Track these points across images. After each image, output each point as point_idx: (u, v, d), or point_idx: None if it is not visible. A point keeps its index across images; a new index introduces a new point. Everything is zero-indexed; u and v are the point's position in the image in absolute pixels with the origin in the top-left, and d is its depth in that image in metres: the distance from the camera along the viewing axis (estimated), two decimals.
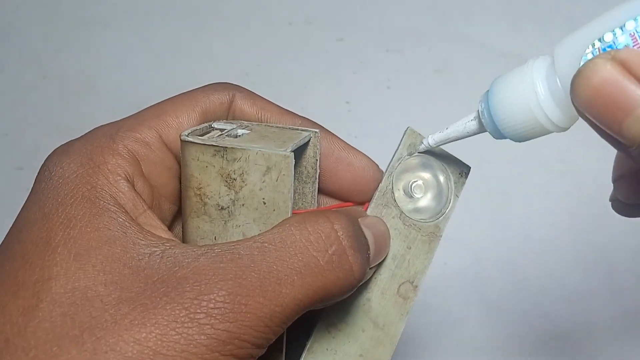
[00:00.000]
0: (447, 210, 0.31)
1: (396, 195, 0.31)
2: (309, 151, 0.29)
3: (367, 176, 0.30)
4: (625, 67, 0.20)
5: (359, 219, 0.27)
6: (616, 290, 0.53)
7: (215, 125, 0.28)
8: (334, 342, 0.30)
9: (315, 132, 0.28)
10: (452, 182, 0.31)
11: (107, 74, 0.63)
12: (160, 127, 0.27)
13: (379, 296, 0.30)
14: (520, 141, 0.26)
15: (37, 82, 0.63)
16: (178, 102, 0.28)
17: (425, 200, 0.31)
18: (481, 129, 0.28)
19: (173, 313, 0.21)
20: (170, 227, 0.29)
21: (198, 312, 0.21)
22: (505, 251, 0.54)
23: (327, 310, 0.29)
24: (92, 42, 0.64)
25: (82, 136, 0.26)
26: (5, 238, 0.24)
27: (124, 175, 0.25)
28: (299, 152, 0.29)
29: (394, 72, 0.60)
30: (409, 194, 0.31)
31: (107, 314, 0.21)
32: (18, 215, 0.24)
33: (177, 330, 0.21)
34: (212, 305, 0.21)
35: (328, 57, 0.62)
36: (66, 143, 0.26)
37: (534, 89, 0.24)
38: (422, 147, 0.30)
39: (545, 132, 0.25)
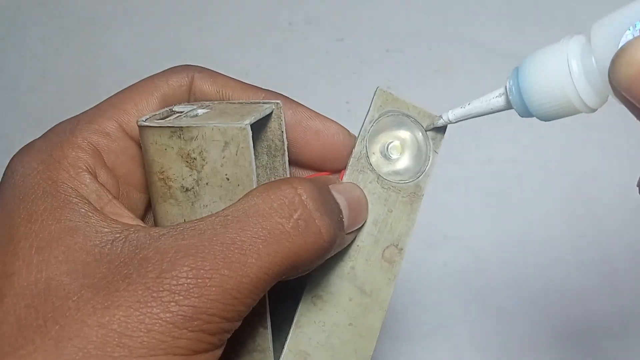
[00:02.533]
0: (427, 168, 0.30)
1: (373, 159, 0.30)
2: (273, 123, 0.28)
3: (338, 142, 0.29)
4: None
5: (330, 186, 0.27)
6: (616, 290, 0.53)
7: (175, 108, 0.27)
8: (321, 314, 0.29)
9: (277, 102, 0.28)
10: (430, 139, 0.30)
11: (107, 74, 0.63)
12: (119, 116, 0.27)
13: (363, 263, 0.29)
14: (547, 120, 0.26)
15: (37, 82, 0.63)
16: (136, 90, 0.28)
17: (403, 160, 0.31)
18: (507, 105, 0.27)
19: (135, 294, 0.21)
20: (144, 217, 0.29)
21: (161, 290, 0.21)
22: (505, 251, 0.54)
23: (311, 281, 0.29)
24: (92, 42, 0.64)
25: (42, 134, 0.26)
26: None
27: (85, 168, 0.25)
28: (263, 125, 0.28)
29: (394, 72, 0.60)
30: (386, 156, 0.30)
31: (70, 301, 0.21)
32: None
33: (140, 310, 0.20)
34: (174, 282, 0.21)
35: (328, 57, 0.62)
36: (28, 143, 0.26)
37: (568, 67, 0.24)
38: (440, 122, 0.29)
39: (574, 112, 0.25)
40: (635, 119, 0.23)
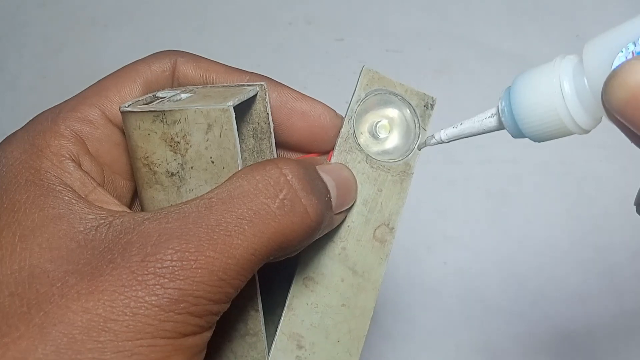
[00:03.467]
0: (416, 146, 0.30)
1: (361, 139, 0.30)
2: (258, 105, 0.28)
3: (324, 123, 0.29)
4: None
5: (318, 166, 0.26)
6: (616, 290, 0.53)
7: (159, 94, 0.27)
8: (313, 296, 0.29)
9: (262, 84, 0.27)
10: (418, 116, 0.30)
11: (107, 74, 0.63)
12: (102, 103, 0.26)
13: (354, 243, 0.29)
14: (539, 141, 0.26)
15: (37, 82, 0.63)
16: (119, 76, 0.27)
17: (392, 139, 0.30)
18: (499, 126, 0.27)
19: (120, 278, 0.20)
20: (131, 204, 0.28)
21: (146, 274, 0.21)
22: (505, 251, 0.54)
23: (302, 263, 0.29)
24: (92, 42, 0.64)
25: (25, 124, 0.26)
26: None
27: (68, 156, 0.24)
28: (248, 108, 0.28)
29: (394, 72, 0.60)
30: (374, 136, 0.30)
31: (54, 287, 0.21)
32: None
33: (125, 294, 0.20)
34: (159, 265, 0.21)
35: (328, 57, 0.62)
36: (11, 134, 0.26)
37: (560, 88, 0.24)
38: (433, 142, 0.29)
39: (567, 133, 0.25)
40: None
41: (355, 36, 0.63)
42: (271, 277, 0.30)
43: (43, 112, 0.27)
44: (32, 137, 0.25)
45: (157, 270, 0.21)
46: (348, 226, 0.29)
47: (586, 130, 0.25)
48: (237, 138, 0.24)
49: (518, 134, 0.26)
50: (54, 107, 0.27)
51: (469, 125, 0.28)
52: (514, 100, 0.25)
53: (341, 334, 0.29)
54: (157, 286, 0.21)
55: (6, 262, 0.21)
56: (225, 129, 0.24)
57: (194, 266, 0.21)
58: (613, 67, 0.21)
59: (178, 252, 0.21)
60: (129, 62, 0.28)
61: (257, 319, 0.26)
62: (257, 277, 0.25)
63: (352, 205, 0.29)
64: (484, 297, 0.53)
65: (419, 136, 0.30)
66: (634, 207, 0.30)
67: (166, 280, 0.21)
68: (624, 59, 0.21)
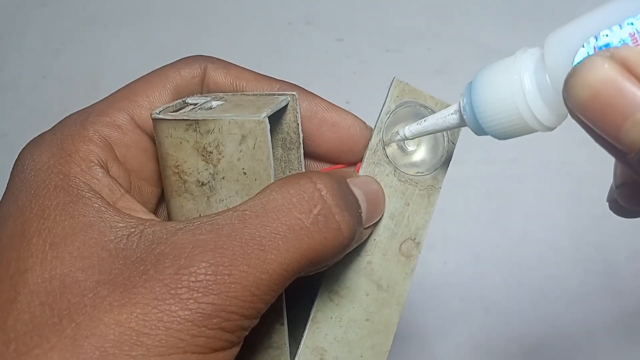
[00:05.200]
0: (444, 160, 0.30)
1: (389, 151, 0.29)
2: (289, 115, 0.27)
3: (354, 135, 0.29)
4: (625, 66, 0.18)
5: (348, 179, 0.26)
6: (616, 290, 0.53)
7: (189, 100, 0.27)
8: (337, 310, 0.29)
9: (293, 94, 0.27)
10: (448, 131, 0.30)
11: (107, 74, 0.63)
12: (131, 108, 0.26)
13: (380, 257, 0.29)
14: (502, 139, 0.25)
15: (37, 82, 0.63)
16: (148, 81, 0.27)
17: (420, 152, 0.30)
18: (462, 123, 0.26)
19: (153, 290, 0.20)
20: (155, 211, 0.28)
21: (179, 287, 0.20)
22: (505, 251, 0.54)
23: (327, 277, 0.29)
24: (92, 42, 0.64)
25: (53, 127, 0.26)
26: None
27: (97, 162, 0.24)
28: (278, 117, 0.27)
29: (394, 72, 0.60)
30: (402, 148, 0.30)
31: (86, 298, 0.20)
32: None
33: (159, 307, 0.20)
34: (193, 279, 0.20)
35: (328, 57, 0.62)
36: (38, 136, 0.26)
37: (520, 84, 0.22)
38: (397, 138, 0.29)
39: (530, 130, 0.24)
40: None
41: (355, 36, 0.63)
42: (296, 290, 0.29)
43: (71, 115, 0.26)
44: (61, 141, 0.24)
45: (191, 283, 0.20)
46: (374, 240, 0.29)
47: (550, 128, 0.24)
48: (271, 150, 0.24)
49: (480, 131, 0.25)
50: (82, 110, 0.26)
51: (432, 122, 0.27)
52: (475, 97, 0.24)
53: (364, 349, 0.28)
54: (191, 300, 0.20)
55: (37, 271, 0.21)
56: (260, 141, 0.23)
57: (227, 281, 0.21)
58: (574, 63, 0.20)
59: (212, 265, 0.21)
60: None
61: (281, 332, 0.25)
62: (284, 291, 0.24)
63: (380, 219, 0.29)
64: (484, 297, 0.53)
65: (447, 150, 0.30)
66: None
67: (200, 294, 0.20)
68: (585, 55, 0.20)
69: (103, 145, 0.25)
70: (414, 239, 0.29)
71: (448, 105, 0.29)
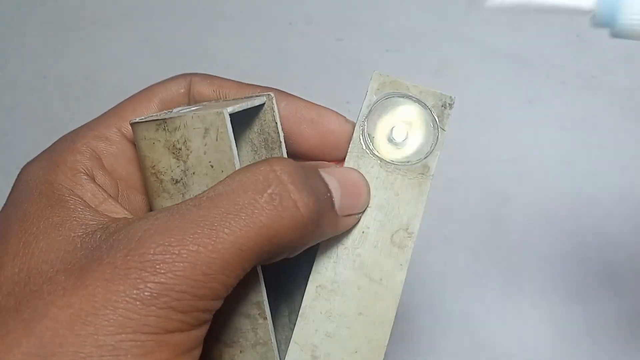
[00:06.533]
0: (435, 148, 0.29)
1: (377, 142, 0.29)
2: (267, 115, 0.28)
3: (334, 129, 0.29)
4: None
5: (321, 169, 0.26)
6: (616, 290, 0.53)
7: (173, 111, 0.27)
8: (327, 304, 0.28)
9: (269, 94, 0.28)
10: (436, 117, 0.29)
11: (107, 74, 0.63)
12: (118, 122, 0.27)
13: (370, 249, 0.28)
14: (631, 38, 0.21)
15: (37, 82, 0.63)
16: (135, 97, 0.29)
17: (409, 142, 0.29)
18: (589, 7, 0.22)
19: (104, 273, 0.21)
20: None
21: (128, 268, 0.21)
22: (505, 251, 0.54)
23: (314, 271, 0.28)
24: (92, 42, 0.64)
25: (49, 146, 0.28)
26: None
27: (82, 170, 0.25)
28: (257, 118, 0.28)
29: (394, 72, 0.60)
30: (391, 140, 0.30)
31: (45, 285, 0.21)
32: None
33: (107, 288, 0.21)
34: (142, 259, 0.21)
35: (328, 57, 0.62)
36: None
37: None
38: (494, 3, 0.25)
39: None
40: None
41: (355, 36, 0.63)
42: (283, 284, 0.30)
43: (65, 134, 0.28)
44: (51, 155, 0.26)
45: (139, 264, 0.21)
46: (363, 232, 0.29)
47: None
48: (233, 140, 0.24)
49: (608, 21, 0.21)
50: (75, 129, 0.28)
51: None
52: None
53: (359, 343, 0.28)
54: (139, 280, 0.21)
55: (9, 266, 0.22)
56: (221, 132, 0.24)
57: (176, 260, 0.21)
58: None
59: (160, 245, 0.21)
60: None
61: (265, 327, 0.25)
62: (263, 283, 0.25)
63: (365, 210, 0.29)
64: (484, 297, 0.53)
65: (437, 137, 0.29)
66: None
67: (147, 274, 0.21)
68: None
69: (90, 156, 0.26)
70: (407, 229, 0.29)
71: (434, 92, 0.29)
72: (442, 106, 0.30)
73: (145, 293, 0.21)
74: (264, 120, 0.28)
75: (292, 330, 0.28)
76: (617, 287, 0.53)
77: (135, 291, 0.21)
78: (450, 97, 0.30)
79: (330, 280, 0.28)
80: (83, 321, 0.20)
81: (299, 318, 0.28)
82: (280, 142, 0.28)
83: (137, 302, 0.21)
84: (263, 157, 0.28)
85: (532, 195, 0.56)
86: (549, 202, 0.56)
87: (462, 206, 0.56)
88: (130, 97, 0.29)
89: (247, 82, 0.30)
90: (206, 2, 0.66)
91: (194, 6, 0.66)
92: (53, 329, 0.20)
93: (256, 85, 0.30)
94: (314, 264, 0.29)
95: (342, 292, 0.28)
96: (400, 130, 0.29)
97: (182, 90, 0.29)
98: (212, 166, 0.25)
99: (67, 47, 0.64)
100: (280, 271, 0.29)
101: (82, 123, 0.31)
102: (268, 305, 0.25)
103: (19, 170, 0.26)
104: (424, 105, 0.30)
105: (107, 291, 0.21)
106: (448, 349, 0.52)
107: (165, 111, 0.27)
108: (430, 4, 0.64)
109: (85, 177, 0.25)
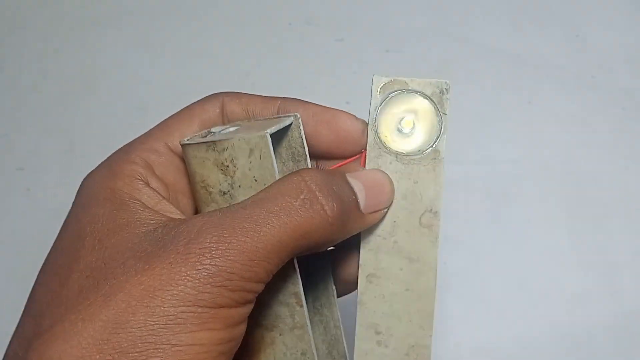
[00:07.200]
0: (441, 132, 0.32)
1: (390, 140, 0.32)
2: (294, 133, 0.32)
3: (348, 127, 0.33)
4: None
5: (348, 174, 0.31)
6: (616, 290, 0.53)
7: (212, 130, 0.32)
8: (378, 289, 0.33)
9: (296, 115, 0.32)
10: (437, 104, 0.33)
11: (107, 74, 0.63)
12: (166, 138, 0.32)
13: (404, 235, 0.33)
14: None
15: (37, 82, 0.63)
16: (178, 117, 0.33)
17: (417, 131, 0.33)
18: None
19: (168, 257, 0.26)
20: None
21: (189, 254, 0.26)
22: (505, 251, 0.54)
23: (362, 265, 0.33)
24: (92, 42, 0.64)
25: (106, 158, 0.33)
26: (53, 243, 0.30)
27: (138, 177, 0.30)
28: (286, 135, 0.33)
29: (394, 72, 0.60)
30: (400, 132, 0.33)
31: (119, 269, 0.26)
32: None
33: (172, 269, 0.25)
34: (200, 246, 0.26)
35: (328, 57, 0.63)
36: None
37: None
38: None
39: None
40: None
41: (355, 36, 0.63)
42: (307, 276, 0.34)
43: (119, 147, 0.32)
44: (110, 165, 0.31)
45: (198, 250, 0.26)
46: (394, 222, 0.32)
47: None
48: (274, 159, 0.29)
49: None
50: (128, 143, 0.33)
51: None
52: None
53: (411, 314, 0.33)
54: (197, 263, 0.25)
55: (87, 257, 0.28)
56: (264, 152, 0.29)
57: (228, 247, 0.26)
58: None
59: (215, 236, 0.26)
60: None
61: (302, 314, 0.30)
62: (299, 275, 0.30)
63: (391, 204, 0.32)
64: (483, 297, 0.53)
65: (442, 122, 0.32)
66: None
67: (205, 258, 0.25)
68: None
69: (143, 165, 0.31)
70: (431, 209, 0.32)
71: (430, 82, 0.33)
72: (440, 93, 0.33)
73: (203, 273, 0.25)
74: (291, 137, 0.32)
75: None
76: (617, 287, 0.53)
77: (194, 271, 0.25)
78: (446, 82, 0.33)
79: (377, 268, 0.33)
80: (151, 295, 0.25)
81: (358, 305, 0.33)
82: (306, 155, 0.32)
83: (196, 281, 0.25)
84: (290, 168, 0.33)
85: (532, 195, 0.56)
86: (549, 202, 0.56)
87: (462, 206, 0.56)
88: (173, 116, 0.33)
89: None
90: (206, 3, 0.66)
91: (194, 6, 0.66)
92: (127, 301, 0.25)
93: (277, 97, 0.34)
94: (360, 257, 0.33)
95: (388, 275, 0.33)
96: (408, 122, 0.32)
97: (218, 111, 0.34)
98: (256, 180, 0.29)
99: (67, 47, 0.64)
100: (305, 265, 0.34)
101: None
102: (304, 295, 0.30)
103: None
104: (424, 95, 0.33)
105: (171, 271, 0.25)
106: (448, 348, 0.52)
107: (205, 130, 0.32)
108: (430, 4, 0.64)
109: (141, 182, 0.30)
